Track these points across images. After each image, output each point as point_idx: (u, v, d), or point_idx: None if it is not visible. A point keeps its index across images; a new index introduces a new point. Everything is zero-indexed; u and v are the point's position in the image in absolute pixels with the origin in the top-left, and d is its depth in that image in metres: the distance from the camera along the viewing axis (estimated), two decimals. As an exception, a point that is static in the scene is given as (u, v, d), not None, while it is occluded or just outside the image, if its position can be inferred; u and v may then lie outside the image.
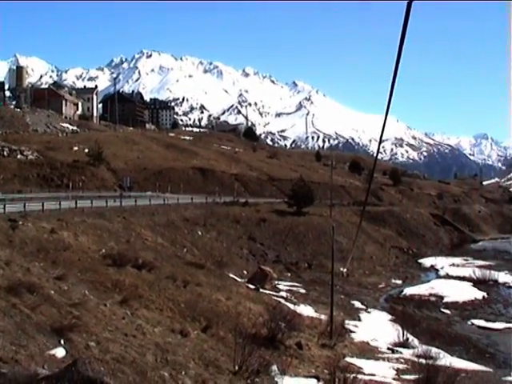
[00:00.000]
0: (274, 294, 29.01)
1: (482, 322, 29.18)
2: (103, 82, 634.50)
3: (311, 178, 77.80)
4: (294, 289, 34.46)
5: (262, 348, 14.64)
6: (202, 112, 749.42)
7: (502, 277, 43.29)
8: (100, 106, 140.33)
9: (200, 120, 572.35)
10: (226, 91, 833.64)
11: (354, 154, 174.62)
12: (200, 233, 41.26)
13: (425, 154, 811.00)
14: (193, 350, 12.68)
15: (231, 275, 30.61)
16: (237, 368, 11.97)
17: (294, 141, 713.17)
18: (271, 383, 12.39)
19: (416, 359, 18.29)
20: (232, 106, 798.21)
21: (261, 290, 27.44)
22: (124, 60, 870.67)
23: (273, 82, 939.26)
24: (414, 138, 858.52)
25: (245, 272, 35.90)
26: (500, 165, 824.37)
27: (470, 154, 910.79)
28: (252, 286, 27.94)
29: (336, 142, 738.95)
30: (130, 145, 78.45)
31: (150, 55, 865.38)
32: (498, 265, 51.10)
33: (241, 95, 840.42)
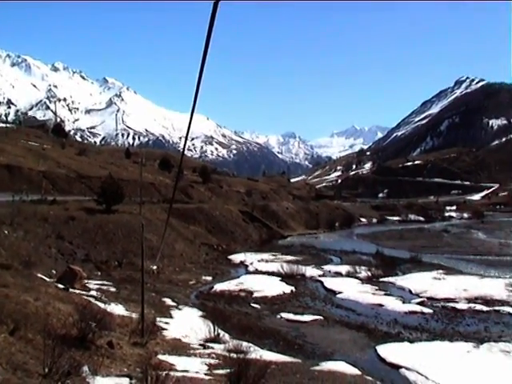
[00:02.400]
0: (84, 293, 28.64)
1: (290, 316, 31.23)
2: None
3: (121, 176, 78.25)
4: (105, 287, 34.25)
5: (72, 349, 14.76)
6: (9, 107, 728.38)
7: (309, 271, 47.02)
8: None
9: (7, 115, 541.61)
10: (35, 86, 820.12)
11: (164, 152, 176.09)
12: (6, 232, 39.47)
13: (234, 151, 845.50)
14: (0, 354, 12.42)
15: (40, 275, 29.74)
16: (47, 370, 12.04)
17: (103, 138, 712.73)
18: (83, 385, 12.49)
19: (227, 354, 19.17)
20: (41, 101, 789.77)
21: (70, 290, 26.97)
22: None
23: (83, 77, 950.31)
24: (224, 136, 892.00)
25: (54, 272, 35.15)
26: (307, 163, 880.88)
27: (278, 153, 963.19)
28: (61, 286, 27.37)
29: (146, 139, 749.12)
30: None
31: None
32: (305, 259, 55.49)
33: (50, 90, 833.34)
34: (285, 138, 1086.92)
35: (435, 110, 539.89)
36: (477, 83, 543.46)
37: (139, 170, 69.36)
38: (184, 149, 8.88)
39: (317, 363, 20.95)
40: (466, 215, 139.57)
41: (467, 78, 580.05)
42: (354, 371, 20.29)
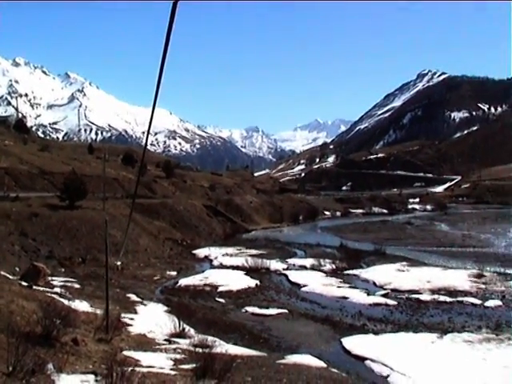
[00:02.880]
0: (49, 290, 28.39)
1: (255, 309, 31.30)
2: None
3: (84, 171, 78.21)
4: (69, 284, 33.99)
5: (37, 347, 14.59)
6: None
7: (274, 264, 47.24)
8: None
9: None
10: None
11: (128, 147, 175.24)
12: (-32, 230, 39.15)
13: (198, 146, 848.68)
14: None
15: (3, 273, 29.51)
16: (11, 369, 11.87)
17: (66, 133, 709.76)
18: (47, 382, 12.33)
19: (193, 348, 19.13)
20: (2, 96, 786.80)
21: (34, 287, 26.70)
22: None
23: (44, 72, 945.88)
24: (187, 130, 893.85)
25: (17, 269, 35.06)
26: (271, 157, 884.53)
27: (241, 147, 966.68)
28: (25, 284, 27.07)
29: (109, 134, 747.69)
30: None
31: None
32: (269, 253, 55.72)
33: (11, 86, 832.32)
34: (248, 132, 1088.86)
35: (398, 103, 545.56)
36: (439, 76, 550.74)
37: (102, 166, 69.07)
38: (146, 143, 8.85)
39: (282, 356, 21.02)
40: (429, 207, 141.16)
41: (429, 71, 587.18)
42: (320, 364, 20.38)
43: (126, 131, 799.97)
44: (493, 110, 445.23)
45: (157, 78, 5.44)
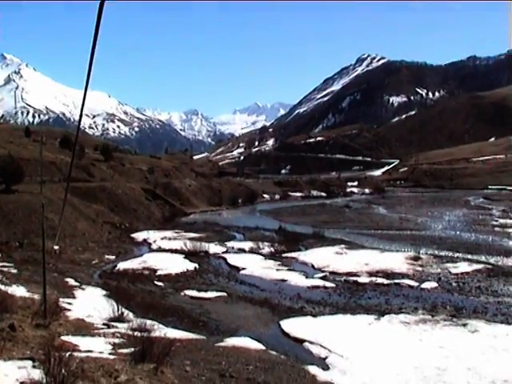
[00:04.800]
0: (-15, 275, 27.72)
1: (194, 293, 31.32)
2: None
3: (21, 155, 75.88)
4: (5, 269, 33.41)
5: None
6: None
7: (213, 248, 47.39)
8: None
9: None
10: None
11: (65, 130, 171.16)
12: None
13: (136, 129, 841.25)
14: None
15: None
16: None
17: (2, 116, 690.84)
18: (-16, 369, 12.06)
19: (132, 332, 19.00)
20: None
21: None
22: None
23: None
24: (126, 113, 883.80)
25: None
26: (210, 140, 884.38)
27: (180, 130, 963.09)
28: None
29: (47, 117, 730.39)
30: None
31: None
32: (208, 236, 55.67)
33: None
34: (187, 115, 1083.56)
35: (337, 87, 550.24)
36: (378, 61, 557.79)
37: (39, 149, 67.79)
38: (79, 124, 8.65)
39: (221, 339, 21.12)
40: (367, 191, 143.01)
41: (368, 55, 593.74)
42: (259, 346, 20.55)
43: (63, 114, 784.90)
44: (430, 95, 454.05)
45: (89, 59, 5.34)
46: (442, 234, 57.11)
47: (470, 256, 42.68)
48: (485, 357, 19.44)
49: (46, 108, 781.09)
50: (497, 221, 67.83)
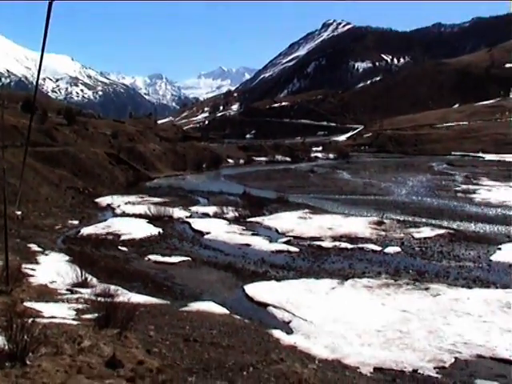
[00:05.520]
0: None
1: (158, 257, 31.24)
2: None
3: None
4: (-35, 236, 32.70)
5: None
6: None
7: (177, 212, 47.21)
8: None
9: None
10: None
11: (28, 93, 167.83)
12: None
13: (100, 93, 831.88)
14: None
15: None
16: None
17: None
18: None
19: (95, 298, 18.94)
20: None
21: None
22: None
23: None
24: (90, 77, 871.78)
25: None
26: (174, 104, 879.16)
27: (145, 94, 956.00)
28: None
29: (8, 80, 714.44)
30: None
31: None
32: (172, 201, 55.35)
33: None
34: (152, 79, 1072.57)
35: (302, 52, 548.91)
36: (344, 26, 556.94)
37: (0, 113, 66.45)
38: (37, 86, 8.42)
39: (185, 304, 21.15)
40: (331, 156, 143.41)
41: (334, 21, 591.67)
42: (223, 311, 20.62)
43: (26, 77, 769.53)
44: (395, 61, 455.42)
45: (45, 19, 5.12)
46: (405, 199, 57.67)
47: (432, 221, 43.23)
48: (446, 320, 19.75)
49: (8, 71, 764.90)
50: (459, 187, 68.61)
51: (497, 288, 24.39)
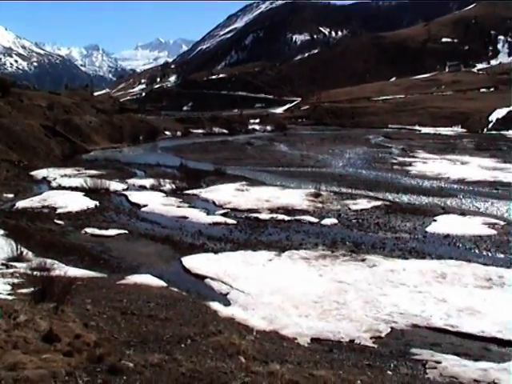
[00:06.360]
0: None
1: (95, 230, 30.96)
2: None
3: None
4: None
5: None
6: None
7: (114, 185, 46.71)
8: None
9: None
10: None
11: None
12: None
13: (35, 64, 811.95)
14: None
15: None
16: None
17: None
18: None
19: (31, 272, 18.67)
20: None
21: None
22: None
23: None
24: (24, 47, 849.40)
25: None
26: (111, 76, 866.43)
27: (81, 65, 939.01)
28: None
29: None
30: None
31: None
32: (109, 174, 54.71)
33: None
34: (88, 51, 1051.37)
35: (240, 24, 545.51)
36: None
37: None
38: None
39: (123, 277, 21.11)
40: (269, 128, 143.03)
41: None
42: (160, 283, 20.61)
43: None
44: (333, 34, 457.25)
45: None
46: (342, 172, 58.23)
47: (369, 193, 43.80)
48: (382, 290, 20.10)
49: None
50: (396, 159, 69.63)
51: (432, 259, 24.93)
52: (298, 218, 34.31)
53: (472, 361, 14.58)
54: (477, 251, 26.86)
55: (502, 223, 32.67)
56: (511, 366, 14.08)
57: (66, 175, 53.95)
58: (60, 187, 47.16)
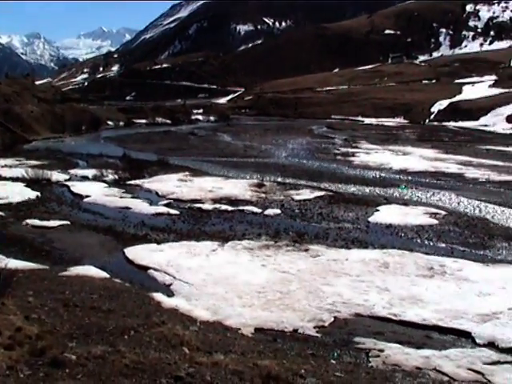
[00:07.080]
0: None
1: (36, 222, 30.35)
2: None
3: None
4: None
5: None
6: None
7: (55, 175, 45.78)
8: None
9: None
10: None
11: None
12: None
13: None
14: None
15: None
16: None
17: None
18: None
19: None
20: None
21: None
22: None
23: None
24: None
25: None
26: (53, 65, 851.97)
27: (22, 54, 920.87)
28: None
29: None
30: None
31: None
32: (50, 164, 53.60)
33: None
34: (29, 39, 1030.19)
35: (184, 13, 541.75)
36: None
37: None
38: None
39: (65, 269, 20.78)
40: (212, 118, 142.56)
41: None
42: (103, 275, 20.41)
43: None
44: (277, 24, 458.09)
45: None
46: (285, 162, 58.42)
47: (312, 183, 44.03)
48: (325, 280, 20.30)
49: None
50: (339, 149, 70.17)
51: (374, 248, 25.26)
52: (241, 208, 34.31)
53: (414, 349, 14.90)
54: (419, 241, 27.35)
55: (443, 213, 33.32)
56: (452, 353, 14.41)
57: (6, 166, 52.57)
58: (0, 178, 46.11)
